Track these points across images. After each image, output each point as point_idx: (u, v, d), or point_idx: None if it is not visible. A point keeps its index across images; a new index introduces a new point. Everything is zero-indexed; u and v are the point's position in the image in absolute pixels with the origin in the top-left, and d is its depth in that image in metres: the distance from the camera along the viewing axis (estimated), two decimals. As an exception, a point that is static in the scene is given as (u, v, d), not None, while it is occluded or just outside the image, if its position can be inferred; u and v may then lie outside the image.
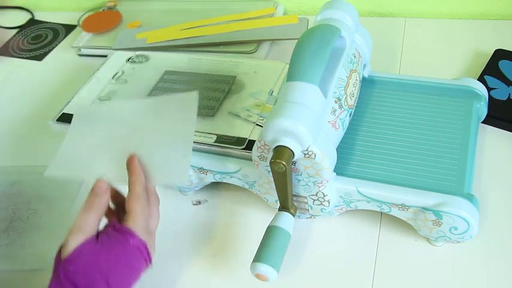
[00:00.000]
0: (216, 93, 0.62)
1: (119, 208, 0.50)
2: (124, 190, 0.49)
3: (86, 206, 0.46)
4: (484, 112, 0.60)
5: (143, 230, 0.45)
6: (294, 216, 0.51)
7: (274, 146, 0.45)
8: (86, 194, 0.64)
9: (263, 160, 0.49)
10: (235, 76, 0.64)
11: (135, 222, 0.45)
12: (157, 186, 0.63)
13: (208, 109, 0.59)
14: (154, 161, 0.50)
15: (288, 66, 0.54)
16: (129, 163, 0.49)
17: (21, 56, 0.92)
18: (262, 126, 0.54)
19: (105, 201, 0.46)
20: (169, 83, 0.64)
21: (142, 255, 0.45)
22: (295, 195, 0.52)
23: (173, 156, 0.50)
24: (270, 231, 0.49)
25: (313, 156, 0.45)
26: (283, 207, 0.51)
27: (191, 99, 0.52)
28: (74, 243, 0.43)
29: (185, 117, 0.51)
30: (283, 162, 0.44)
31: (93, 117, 0.55)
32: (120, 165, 0.50)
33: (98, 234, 0.45)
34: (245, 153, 0.54)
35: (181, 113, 0.52)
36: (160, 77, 0.66)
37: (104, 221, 0.48)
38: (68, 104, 0.64)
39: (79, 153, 0.53)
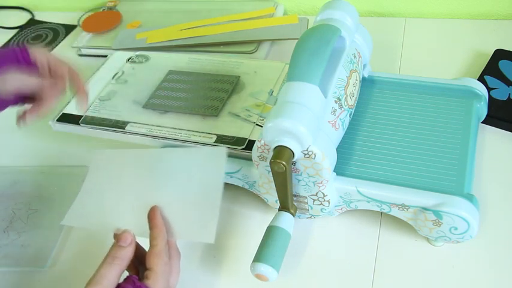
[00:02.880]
0: (219, 93, 0.61)
1: (136, 261, 0.47)
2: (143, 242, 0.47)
3: (108, 257, 0.43)
4: (484, 112, 0.60)
5: None
6: (294, 216, 0.51)
7: (274, 146, 0.45)
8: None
9: (263, 160, 0.49)
10: (239, 76, 0.64)
11: (155, 282, 0.43)
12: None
13: (212, 109, 0.59)
14: (179, 216, 0.48)
15: (288, 66, 0.54)
16: (151, 216, 0.47)
17: (21, 56, 0.92)
18: (262, 126, 0.54)
19: (129, 254, 0.44)
20: (174, 83, 0.64)
21: None
22: (295, 195, 0.52)
23: (200, 214, 0.47)
24: (270, 231, 0.49)
25: (313, 156, 0.45)
26: (283, 207, 0.51)
27: (220, 153, 0.50)
28: None
29: (213, 172, 0.49)
30: (283, 162, 0.44)
31: (112, 163, 0.53)
32: (141, 217, 0.47)
33: None
34: (245, 153, 0.54)
35: (209, 167, 0.49)
36: (164, 76, 0.66)
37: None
38: (68, 104, 0.64)
39: (97, 203, 0.50)
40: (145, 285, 0.42)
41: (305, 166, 0.47)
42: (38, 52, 0.51)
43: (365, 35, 0.58)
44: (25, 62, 0.50)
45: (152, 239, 0.45)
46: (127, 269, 0.46)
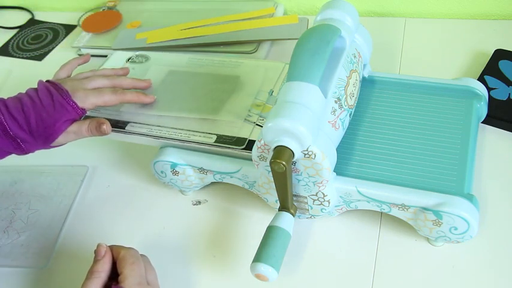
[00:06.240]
0: (219, 93, 0.61)
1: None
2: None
3: (88, 274, 0.47)
4: (484, 112, 0.60)
5: (137, 286, 0.46)
6: (294, 216, 0.51)
7: (274, 146, 0.45)
8: (86, 193, 0.65)
9: (263, 160, 0.49)
10: (239, 76, 0.64)
11: (127, 282, 0.46)
12: (157, 186, 0.63)
13: (212, 109, 0.59)
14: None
15: (288, 66, 0.54)
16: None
17: (21, 56, 0.92)
18: (262, 126, 0.54)
19: (106, 265, 0.47)
20: (174, 83, 0.64)
21: None
22: (295, 195, 0.52)
23: None
24: (270, 231, 0.49)
25: (313, 156, 0.45)
26: (283, 207, 0.51)
27: None
28: None
29: None
30: (283, 162, 0.44)
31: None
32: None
33: None
34: (245, 153, 0.54)
35: None
36: (164, 76, 0.66)
37: None
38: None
39: None
40: (120, 287, 0.45)
41: (305, 166, 0.47)
42: (83, 102, 0.56)
43: (365, 35, 0.58)
44: (78, 115, 0.56)
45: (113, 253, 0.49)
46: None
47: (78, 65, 0.64)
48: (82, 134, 0.56)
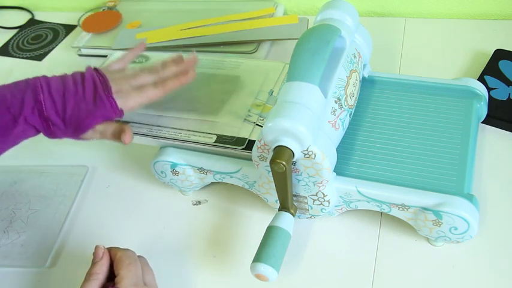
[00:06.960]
0: (219, 94, 0.61)
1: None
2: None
3: (86, 276, 0.47)
4: (484, 112, 0.60)
5: (133, 287, 0.47)
6: (294, 216, 0.51)
7: (274, 146, 0.45)
8: (86, 193, 0.65)
9: (263, 160, 0.49)
10: (239, 76, 0.64)
11: (123, 283, 0.46)
12: (157, 186, 0.63)
13: (212, 109, 0.59)
14: None
15: (288, 66, 0.54)
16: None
17: (21, 56, 0.92)
18: (262, 126, 0.54)
19: (104, 267, 0.48)
20: None
21: None
22: (295, 195, 0.52)
23: None
24: (270, 231, 0.49)
25: (313, 156, 0.45)
26: (283, 207, 0.51)
27: None
28: None
29: None
30: (283, 162, 0.44)
31: None
32: None
33: None
34: (245, 153, 0.54)
35: None
36: None
37: None
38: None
39: None
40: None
41: (305, 166, 0.47)
42: (124, 103, 0.54)
43: (365, 35, 0.58)
44: (115, 114, 0.53)
45: (110, 254, 0.49)
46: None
47: (135, 57, 0.62)
48: (106, 137, 0.55)
